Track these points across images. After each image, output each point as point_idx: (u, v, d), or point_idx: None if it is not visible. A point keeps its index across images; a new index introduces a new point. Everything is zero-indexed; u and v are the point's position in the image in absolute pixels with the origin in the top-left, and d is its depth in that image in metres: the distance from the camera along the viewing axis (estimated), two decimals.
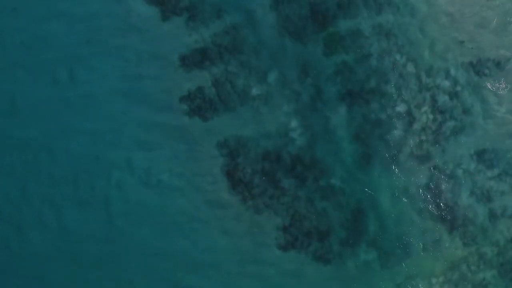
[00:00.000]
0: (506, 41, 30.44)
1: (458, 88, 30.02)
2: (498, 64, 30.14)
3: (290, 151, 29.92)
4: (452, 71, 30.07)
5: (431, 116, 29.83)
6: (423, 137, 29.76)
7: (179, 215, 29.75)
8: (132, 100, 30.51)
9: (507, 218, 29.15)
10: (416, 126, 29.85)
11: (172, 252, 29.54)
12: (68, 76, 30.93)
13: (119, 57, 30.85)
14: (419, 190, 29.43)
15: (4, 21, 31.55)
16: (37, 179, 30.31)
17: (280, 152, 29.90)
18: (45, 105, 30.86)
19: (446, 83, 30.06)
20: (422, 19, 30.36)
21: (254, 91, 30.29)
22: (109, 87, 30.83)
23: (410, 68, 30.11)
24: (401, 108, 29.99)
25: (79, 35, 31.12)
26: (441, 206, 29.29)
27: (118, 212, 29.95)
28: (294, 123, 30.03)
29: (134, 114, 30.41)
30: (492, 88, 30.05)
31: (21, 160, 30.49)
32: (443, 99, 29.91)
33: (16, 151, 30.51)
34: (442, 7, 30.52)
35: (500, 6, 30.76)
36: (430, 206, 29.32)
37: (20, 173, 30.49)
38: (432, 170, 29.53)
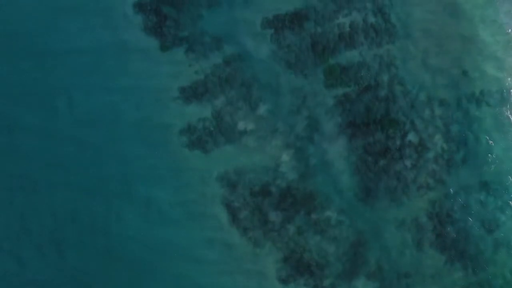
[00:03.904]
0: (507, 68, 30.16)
1: (465, 117, 29.76)
2: (499, 94, 29.84)
3: (286, 184, 29.71)
4: (460, 101, 29.81)
5: (445, 145, 29.58)
6: (435, 167, 29.51)
7: (178, 247, 29.87)
8: (132, 133, 30.41)
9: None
10: (429, 155, 29.61)
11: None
12: (67, 107, 30.91)
13: (116, 89, 30.70)
14: (428, 220, 29.23)
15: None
16: (36, 211, 30.49)
17: (277, 185, 29.73)
18: (43, 138, 30.89)
19: (457, 113, 29.79)
20: (424, 49, 30.03)
21: (253, 123, 30.04)
22: (109, 117, 30.76)
23: (422, 97, 29.80)
24: (412, 137, 29.73)
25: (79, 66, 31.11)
26: (450, 236, 29.10)
27: (118, 243, 30.09)
28: (287, 156, 29.79)
29: (134, 147, 30.32)
30: (496, 117, 29.79)
31: (21, 192, 30.65)
32: (454, 128, 29.67)
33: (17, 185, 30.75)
34: (444, 37, 30.13)
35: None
36: (437, 236, 29.13)
37: (19, 205, 30.68)
38: (443, 199, 29.29)
